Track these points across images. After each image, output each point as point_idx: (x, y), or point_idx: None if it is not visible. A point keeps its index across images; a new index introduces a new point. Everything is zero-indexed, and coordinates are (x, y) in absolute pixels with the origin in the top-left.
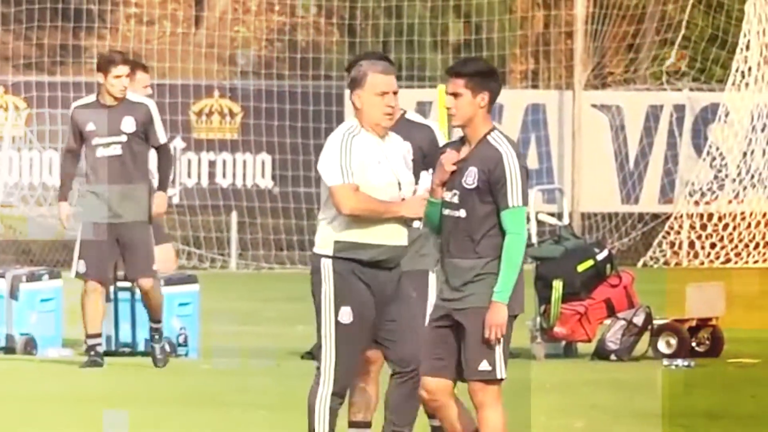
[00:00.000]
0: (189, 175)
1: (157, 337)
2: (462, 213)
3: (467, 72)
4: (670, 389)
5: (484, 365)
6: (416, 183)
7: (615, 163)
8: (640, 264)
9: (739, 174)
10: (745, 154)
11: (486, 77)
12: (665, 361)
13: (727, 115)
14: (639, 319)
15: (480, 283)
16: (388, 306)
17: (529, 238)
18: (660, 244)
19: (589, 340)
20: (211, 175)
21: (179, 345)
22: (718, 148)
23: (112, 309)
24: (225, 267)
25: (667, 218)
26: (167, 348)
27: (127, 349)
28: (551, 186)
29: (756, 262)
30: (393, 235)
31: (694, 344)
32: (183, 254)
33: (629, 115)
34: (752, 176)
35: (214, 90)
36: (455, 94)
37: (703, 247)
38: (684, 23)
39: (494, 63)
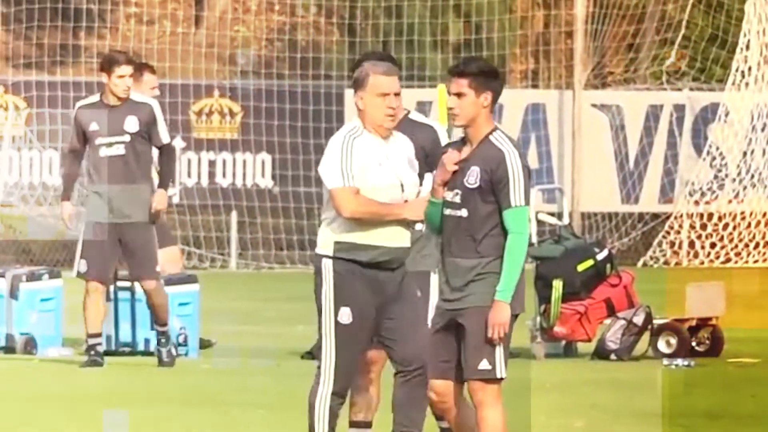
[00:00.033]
0: (189, 175)
1: (163, 340)
2: (464, 213)
3: (470, 72)
4: (670, 389)
5: (484, 364)
6: (420, 184)
7: (615, 162)
8: (640, 264)
9: (739, 174)
10: (745, 153)
11: (489, 77)
12: (665, 361)
13: (727, 114)
14: (639, 319)
15: (481, 282)
16: (391, 305)
17: (529, 237)
18: (660, 244)
19: (589, 340)
20: (211, 175)
21: (179, 345)
22: (718, 148)
23: (112, 309)
24: (225, 267)
25: (667, 218)
26: (173, 352)
27: (127, 349)
28: (551, 186)
29: (756, 261)
30: (394, 237)
31: (694, 344)
32: (183, 254)
33: (629, 115)
34: (752, 176)
35: (214, 90)
36: (458, 94)
37: (703, 247)
38: (684, 23)
39: (494, 63)
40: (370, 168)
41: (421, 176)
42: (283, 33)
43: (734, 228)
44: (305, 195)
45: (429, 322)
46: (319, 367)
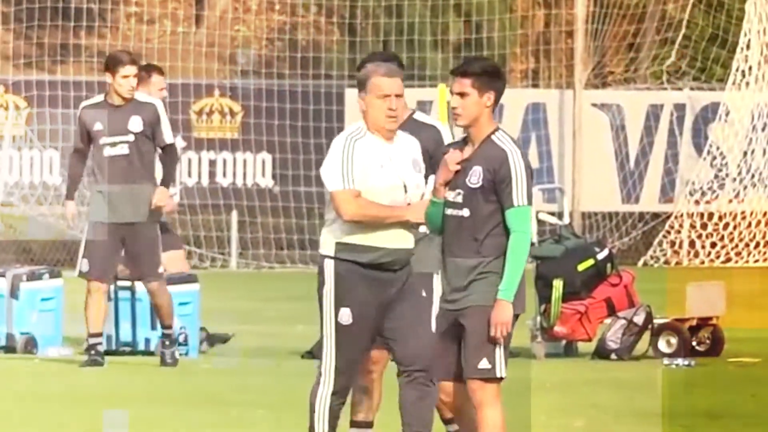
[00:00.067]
0: (189, 174)
1: (167, 343)
2: (465, 212)
3: (474, 71)
4: (670, 388)
5: (484, 363)
6: (426, 184)
7: (615, 162)
8: (640, 263)
9: (739, 173)
10: (745, 153)
11: (492, 77)
12: (666, 361)
13: (727, 114)
14: (639, 319)
15: (482, 282)
16: (393, 306)
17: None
18: (660, 244)
19: (590, 340)
20: (212, 174)
21: (179, 344)
22: (718, 148)
23: (112, 308)
24: (225, 266)
25: (668, 217)
26: (177, 355)
27: (127, 348)
28: (552, 185)
29: (756, 261)
30: (395, 239)
31: (694, 343)
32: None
33: (630, 115)
34: (752, 175)
35: (215, 89)
36: (461, 94)
37: (703, 247)
38: (684, 22)
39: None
40: (372, 170)
41: (426, 177)
42: (284, 32)
43: (735, 227)
44: (305, 194)
45: (433, 324)
46: (320, 367)
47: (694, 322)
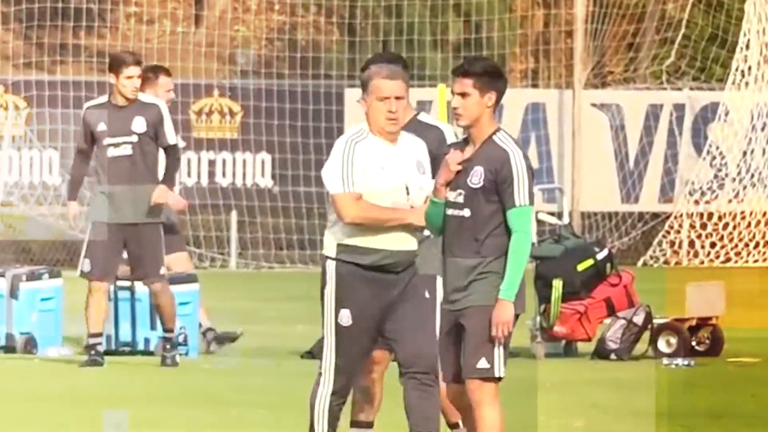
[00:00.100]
0: (189, 175)
1: (168, 346)
2: (466, 212)
3: (475, 72)
4: (670, 388)
5: (483, 363)
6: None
7: (615, 162)
8: (640, 263)
9: (739, 173)
10: (745, 153)
11: (494, 77)
12: (665, 361)
13: (727, 114)
14: (639, 319)
15: (482, 281)
16: (395, 307)
17: None
18: (660, 244)
19: (589, 340)
20: (211, 174)
21: (179, 344)
22: (718, 147)
23: (111, 308)
24: (225, 266)
25: (667, 217)
26: (177, 359)
27: (127, 348)
28: (551, 185)
29: (756, 261)
30: (397, 241)
31: (694, 343)
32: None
33: (629, 114)
34: (752, 175)
35: (214, 89)
36: (463, 94)
37: (703, 247)
38: (684, 22)
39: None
40: (372, 172)
41: (434, 178)
42: (283, 32)
43: (734, 227)
44: (305, 194)
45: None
46: (320, 367)
47: (693, 322)
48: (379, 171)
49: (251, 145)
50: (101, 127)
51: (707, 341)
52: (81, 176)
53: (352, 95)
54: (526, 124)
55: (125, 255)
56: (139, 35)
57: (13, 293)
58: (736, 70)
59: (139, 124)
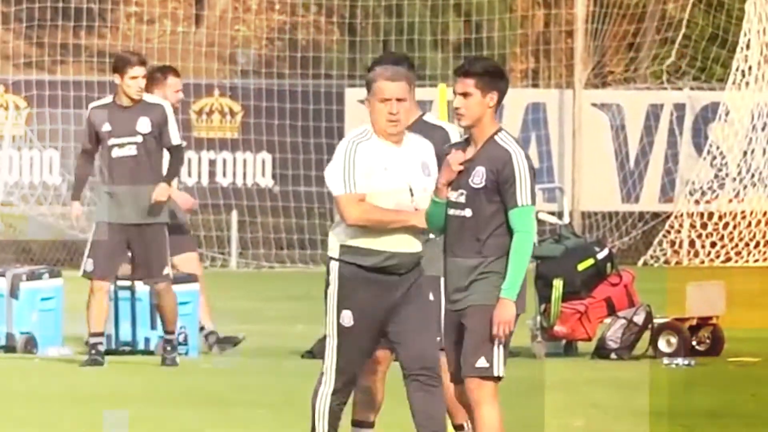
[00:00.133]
0: (189, 174)
1: (169, 348)
2: (468, 213)
3: (477, 71)
4: (670, 388)
5: (482, 362)
6: None
7: (615, 162)
8: (640, 263)
9: (739, 173)
10: (745, 153)
11: (495, 77)
12: (665, 360)
13: (727, 114)
14: (639, 318)
15: (483, 281)
16: (398, 308)
17: None
18: (660, 243)
19: (590, 339)
20: (212, 174)
21: (180, 344)
22: (718, 147)
23: (112, 308)
24: (225, 266)
25: (668, 217)
26: (177, 360)
27: (127, 348)
28: (551, 185)
29: (756, 260)
30: (400, 243)
31: (694, 343)
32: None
33: (629, 114)
34: (752, 175)
35: (215, 89)
36: (464, 94)
37: (703, 246)
38: (684, 22)
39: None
40: (375, 173)
41: None
42: (284, 32)
43: (734, 227)
44: (305, 194)
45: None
46: (322, 367)
47: (694, 322)
48: (382, 172)
49: (251, 145)
50: (106, 127)
51: (708, 341)
52: (85, 176)
53: (352, 95)
54: (526, 124)
55: (129, 255)
56: (139, 35)
57: (14, 293)
58: (737, 69)
59: (144, 125)
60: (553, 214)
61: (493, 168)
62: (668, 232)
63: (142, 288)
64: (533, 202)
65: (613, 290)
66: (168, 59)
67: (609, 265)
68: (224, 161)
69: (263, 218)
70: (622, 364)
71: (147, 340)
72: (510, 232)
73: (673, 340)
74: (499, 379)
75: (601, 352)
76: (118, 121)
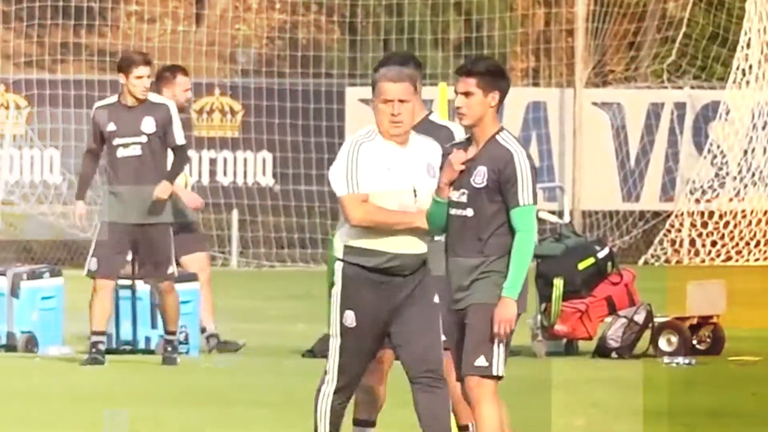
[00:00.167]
0: (190, 173)
1: (170, 348)
2: (469, 212)
3: (478, 71)
4: (671, 387)
5: (481, 361)
6: None
7: (616, 161)
8: (641, 262)
9: (740, 172)
10: (745, 151)
11: (497, 76)
12: (666, 359)
13: (727, 112)
14: (640, 317)
15: (484, 280)
16: (402, 310)
17: None
18: (661, 242)
19: (590, 338)
20: (212, 173)
21: (180, 343)
22: (719, 146)
23: (112, 307)
24: (226, 265)
25: (668, 216)
26: (178, 360)
27: (127, 347)
28: (552, 184)
29: (757, 260)
30: (403, 244)
31: (695, 342)
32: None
33: (630, 113)
34: (753, 174)
35: (215, 88)
36: (466, 93)
37: (704, 245)
38: (685, 21)
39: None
40: (378, 173)
41: None
42: (284, 31)
43: (735, 226)
44: (306, 193)
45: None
46: (326, 366)
47: (694, 321)
48: (385, 172)
49: (252, 144)
50: (110, 127)
51: (708, 340)
52: (90, 176)
53: (352, 94)
54: (527, 123)
55: (132, 255)
56: (140, 34)
57: (14, 292)
58: (737, 68)
59: (149, 125)
60: (553, 213)
61: (495, 168)
62: (669, 231)
63: (142, 287)
64: (535, 202)
65: (613, 289)
66: (168, 58)
67: (609, 264)
68: (225, 160)
69: (264, 217)
70: (622, 363)
71: (147, 340)
72: (511, 231)
73: (674, 339)
74: (498, 378)
75: (602, 351)
76: (122, 120)
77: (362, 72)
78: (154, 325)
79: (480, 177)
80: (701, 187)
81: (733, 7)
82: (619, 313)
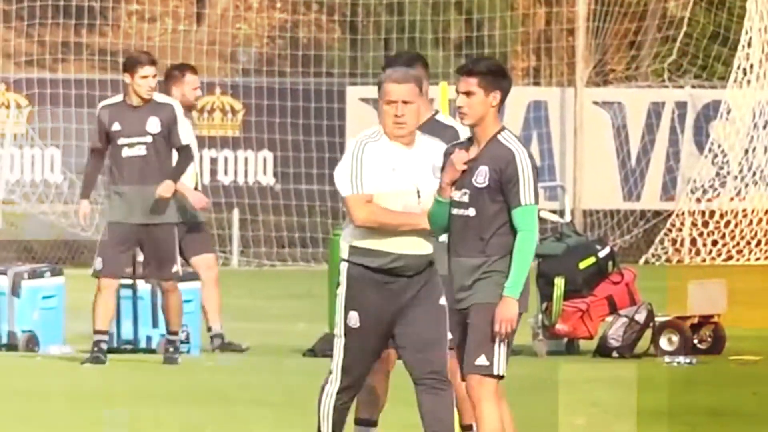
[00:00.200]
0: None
1: (172, 349)
2: (471, 212)
3: (480, 71)
4: (671, 386)
5: (482, 360)
6: None
7: (617, 160)
8: (641, 261)
9: (740, 171)
10: (746, 151)
11: (498, 76)
12: (667, 359)
13: (728, 112)
14: (641, 317)
15: (487, 280)
16: (406, 311)
17: None
18: (662, 241)
19: (591, 337)
20: (213, 173)
21: (181, 342)
22: (719, 146)
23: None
24: (227, 264)
25: (669, 215)
26: (180, 360)
27: (128, 347)
28: (553, 183)
29: (758, 259)
30: (408, 245)
31: (695, 341)
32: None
33: (631, 112)
34: (754, 173)
35: (216, 87)
36: (467, 93)
37: (704, 244)
38: (686, 20)
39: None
40: (382, 174)
41: None
42: (285, 30)
43: (736, 225)
44: (307, 192)
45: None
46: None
47: (695, 320)
48: (390, 173)
49: (253, 143)
50: (115, 126)
51: (709, 339)
52: (95, 175)
53: (353, 93)
54: (527, 122)
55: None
56: (140, 33)
57: (15, 291)
58: (738, 68)
59: (154, 125)
60: (554, 212)
61: (496, 167)
62: (669, 230)
63: (143, 286)
64: (536, 201)
65: (614, 288)
66: (169, 57)
67: (610, 263)
68: (225, 159)
69: (264, 216)
70: (623, 362)
71: (149, 339)
72: (513, 231)
73: (675, 338)
74: (500, 377)
75: (603, 350)
76: (127, 120)
77: (363, 71)
78: (155, 325)
79: (482, 177)
80: (702, 186)
81: (733, 6)
82: (620, 313)
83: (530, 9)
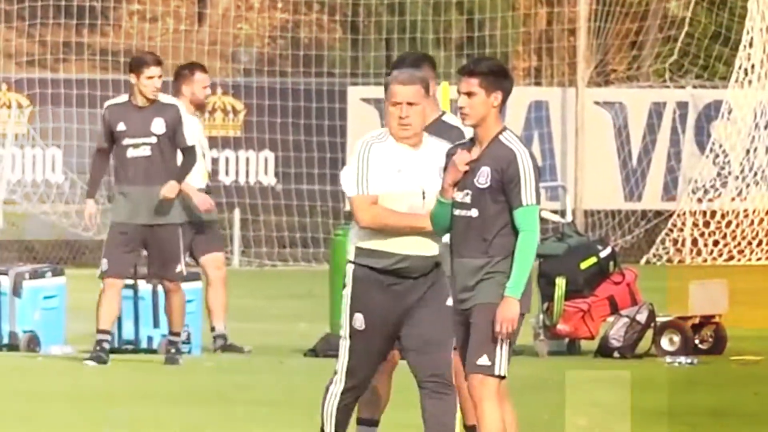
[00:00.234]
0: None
1: (173, 350)
2: (474, 213)
3: (481, 71)
4: (673, 387)
5: (484, 360)
6: None
7: (618, 160)
8: (643, 261)
9: (742, 171)
10: (748, 151)
11: (499, 76)
12: (668, 359)
13: (730, 112)
14: (642, 317)
15: (490, 281)
16: (412, 312)
17: None
18: (663, 242)
19: (592, 338)
20: (214, 173)
21: (183, 342)
22: (721, 146)
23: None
24: (228, 264)
25: (670, 215)
26: (181, 361)
27: (129, 347)
28: (554, 183)
29: (759, 259)
30: (414, 246)
31: (697, 341)
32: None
33: (632, 113)
34: (755, 173)
35: (217, 87)
36: (469, 93)
37: (706, 245)
38: (687, 20)
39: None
40: (388, 174)
41: None
42: (286, 30)
43: (737, 225)
44: (308, 192)
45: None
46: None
47: (696, 320)
48: (395, 174)
49: (254, 143)
50: (121, 126)
51: (710, 339)
52: (101, 175)
53: (354, 93)
54: (529, 122)
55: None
56: (142, 33)
57: (16, 291)
58: (740, 68)
59: (159, 125)
60: (555, 212)
61: (498, 167)
62: (671, 230)
63: (144, 287)
64: (538, 202)
65: (615, 289)
66: (170, 57)
67: (612, 263)
68: (227, 159)
69: (266, 216)
70: (624, 362)
71: (150, 339)
72: (516, 231)
73: (676, 338)
74: (501, 377)
75: (604, 350)
76: (132, 121)
77: (364, 71)
78: (156, 325)
79: (483, 177)
80: (703, 186)
81: (735, 6)
82: (621, 313)
83: (531, 9)
